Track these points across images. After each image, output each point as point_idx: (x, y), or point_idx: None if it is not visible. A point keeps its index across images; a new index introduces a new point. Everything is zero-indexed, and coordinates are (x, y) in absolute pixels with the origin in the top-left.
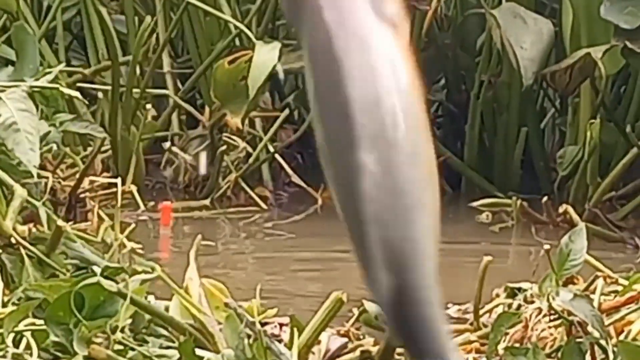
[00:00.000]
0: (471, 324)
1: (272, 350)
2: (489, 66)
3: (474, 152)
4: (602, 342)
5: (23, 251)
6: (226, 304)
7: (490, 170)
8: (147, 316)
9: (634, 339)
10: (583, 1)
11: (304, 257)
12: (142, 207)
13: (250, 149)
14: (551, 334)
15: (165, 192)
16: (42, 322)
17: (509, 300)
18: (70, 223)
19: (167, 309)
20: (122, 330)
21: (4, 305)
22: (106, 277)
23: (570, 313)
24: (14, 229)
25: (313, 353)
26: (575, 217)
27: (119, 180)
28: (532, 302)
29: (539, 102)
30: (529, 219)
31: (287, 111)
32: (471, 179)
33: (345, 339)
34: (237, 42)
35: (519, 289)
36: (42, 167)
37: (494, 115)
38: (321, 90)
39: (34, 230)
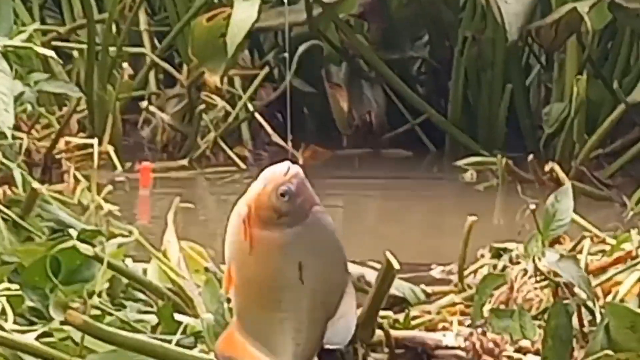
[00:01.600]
0: (455, 285)
1: None
2: (472, 22)
3: (458, 109)
4: (589, 303)
5: None
6: (205, 268)
7: (475, 128)
8: (125, 280)
9: (622, 300)
10: None
11: None
12: (120, 168)
13: (229, 108)
14: (537, 296)
15: (143, 152)
16: (17, 287)
17: (494, 261)
18: (45, 185)
19: (145, 272)
20: (99, 295)
21: None
22: (83, 241)
23: (556, 274)
24: None
25: None
26: (562, 175)
27: (95, 141)
28: (518, 263)
29: (524, 58)
30: (515, 178)
31: (266, 69)
32: (455, 137)
33: None
34: None
35: (504, 250)
36: (16, 127)
37: (478, 72)
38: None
39: (8, 192)
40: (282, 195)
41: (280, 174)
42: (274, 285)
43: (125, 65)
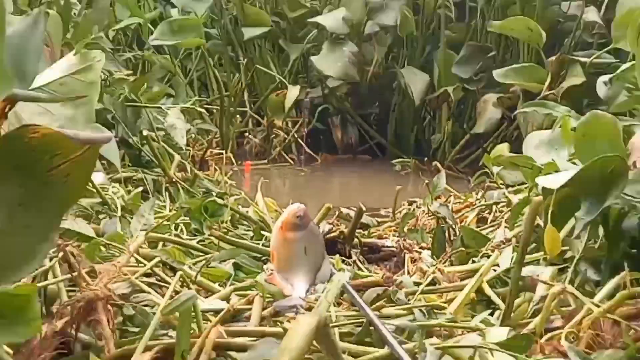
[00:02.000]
0: (391, 218)
1: None
2: (398, 95)
3: (393, 137)
4: (453, 226)
5: (179, 185)
6: (276, 210)
7: (401, 146)
8: (238, 216)
9: (469, 225)
10: (444, 63)
11: (312, 186)
12: (235, 164)
13: (286, 136)
14: (430, 223)
15: (246, 157)
16: (187, 219)
17: (410, 207)
18: (201, 171)
19: (247, 212)
20: (225, 222)
21: (171, 211)
22: (218, 197)
23: (438, 213)
24: (175, 174)
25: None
26: (440, 167)
27: (223, 152)
28: (420, 207)
29: (422, 113)
30: (419, 168)
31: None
32: (392, 150)
33: (332, 226)
34: (280, 85)
35: (414, 201)
36: (187, 145)
37: (402, 120)
38: None
39: (184, 175)
40: (297, 217)
41: (296, 208)
42: (293, 258)
43: (238, 117)
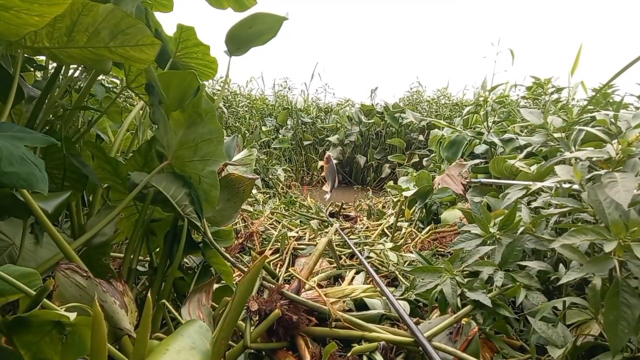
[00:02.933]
0: (352, 206)
1: None
2: (354, 164)
3: (354, 178)
4: (374, 208)
5: (281, 194)
6: (314, 202)
7: (357, 180)
8: (300, 204)
9: (379, 208)
10: (370, 153)
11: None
12: (301, 187)
13: (317, 177)
14: (366, 207)
15: (304, 184)
16: (284, 205)
17: (360, 201)
18: (289, 189)
19: (305, 203)
20: (297, 206)
21: (279, 203)
22: (295, 198)
23: (368, 204)
24: (279, 190)
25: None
26: (370, 189)
27: (297, 182)
28: (362, 202)
29: (364, 170)
30: (363, 189)
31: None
32: (354, 182)
33: (333, 207)
34: (315, 160)
35: (361, 200)
36: (284, 180)
37: (357, 172)
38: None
39: (282, 190)
40: (327, 157)
41: (328, 153)
42: (326, 174)
43: (301, 170)
